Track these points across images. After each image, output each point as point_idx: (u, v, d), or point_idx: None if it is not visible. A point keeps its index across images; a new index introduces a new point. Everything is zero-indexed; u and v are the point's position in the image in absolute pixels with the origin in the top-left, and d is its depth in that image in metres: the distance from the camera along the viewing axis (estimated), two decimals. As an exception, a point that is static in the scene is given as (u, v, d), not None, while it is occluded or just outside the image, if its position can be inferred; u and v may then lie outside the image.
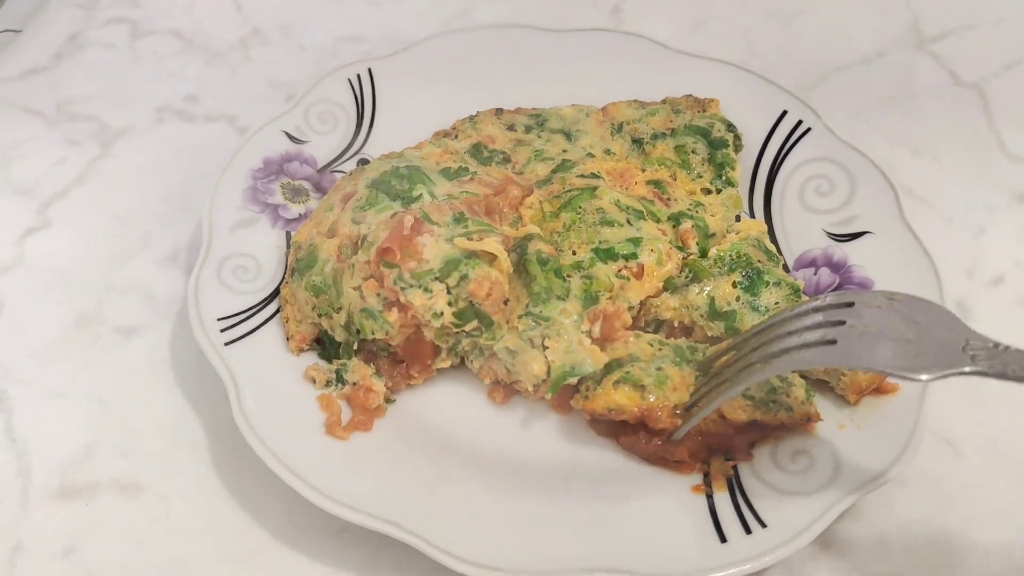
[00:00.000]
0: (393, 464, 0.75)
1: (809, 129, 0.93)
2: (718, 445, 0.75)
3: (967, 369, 0.63)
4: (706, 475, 0.74)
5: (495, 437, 0.79)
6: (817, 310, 0.70)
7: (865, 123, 1.03)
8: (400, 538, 0.69)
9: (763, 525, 0.70)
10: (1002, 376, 0.63)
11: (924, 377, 0.63)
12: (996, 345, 0.65)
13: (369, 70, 0.97)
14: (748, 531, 0.70)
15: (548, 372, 0.77)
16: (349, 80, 0.96)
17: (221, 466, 0.78)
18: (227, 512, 0.76)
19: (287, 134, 0.92)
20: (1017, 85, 1.07)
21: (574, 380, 0.77)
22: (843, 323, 0.68)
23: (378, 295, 0.77)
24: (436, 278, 0.76)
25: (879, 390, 0.76)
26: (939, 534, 0.75)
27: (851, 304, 0.69)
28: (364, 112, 0.96)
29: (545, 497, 0.74)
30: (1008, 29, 1.13)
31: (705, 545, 0.69)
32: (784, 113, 0.94)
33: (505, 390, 0.80)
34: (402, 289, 0.76)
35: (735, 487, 0.73)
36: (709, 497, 0.73)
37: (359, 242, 0.80)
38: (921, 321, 0.67)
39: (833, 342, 0.67)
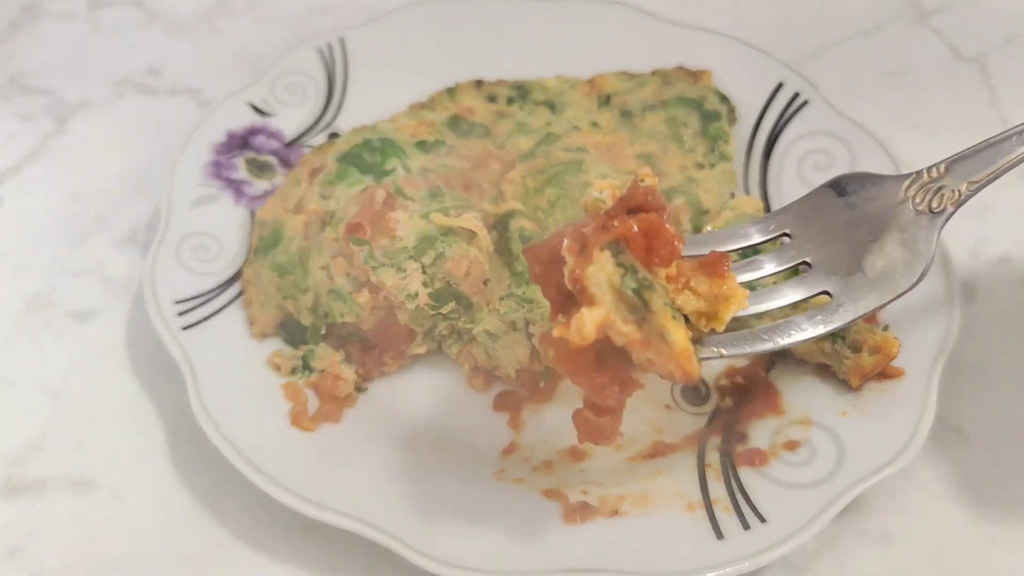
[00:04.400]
0: (364, 457, 0.71)
1: (806, 102, 0.89)
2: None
3: (936, 232, 0.62)
4: (701, 460, 0.71)
5: (474, 427, 0.75)
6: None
7: (862, 98, 0.99)
8: (370, 536, 0.65)
9: (762, 520, 0.66)
10: (960, 203, 0.62)
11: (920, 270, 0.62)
12: (928, 170, 0.64)
13: (341, 40, 0.93)
14: (746, 527, 0.66)
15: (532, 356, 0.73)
16: (320, 50, 0.92)
17: (179, 460, 0.75)
18: (185, 508, 0.72)
19: (253, 106, 0.87)
20: (1019, 59, 1.04)
21: None
22: (808, 265, 0.64)
23: (347, 275, 0.73)
24: (410, 256, 0.73)
25: (884, 374, 0.73)
26: (946, 526, 0.72)
27: (788, 235, 0.66)
28: (335, 84, 0.91)
29: (528, 492, 0.69)
30: (1010, 1, 1.10)
31: (701, 542, 0.65)
32: (780, 85, 0.90)
33: (486, 376, 0.77)
34: (373, 268, 0.72)
35: (732, 480, 0.69)
36: (705, 491, 0.68)
37: (327, 219, 0.76)
38: (856, 203, 0.65)
39: (827, 294, 0.63)
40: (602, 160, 0.83)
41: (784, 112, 0.89)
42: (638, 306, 0.53)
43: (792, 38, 1.05)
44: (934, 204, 0.63)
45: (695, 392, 0.76)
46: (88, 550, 0.70)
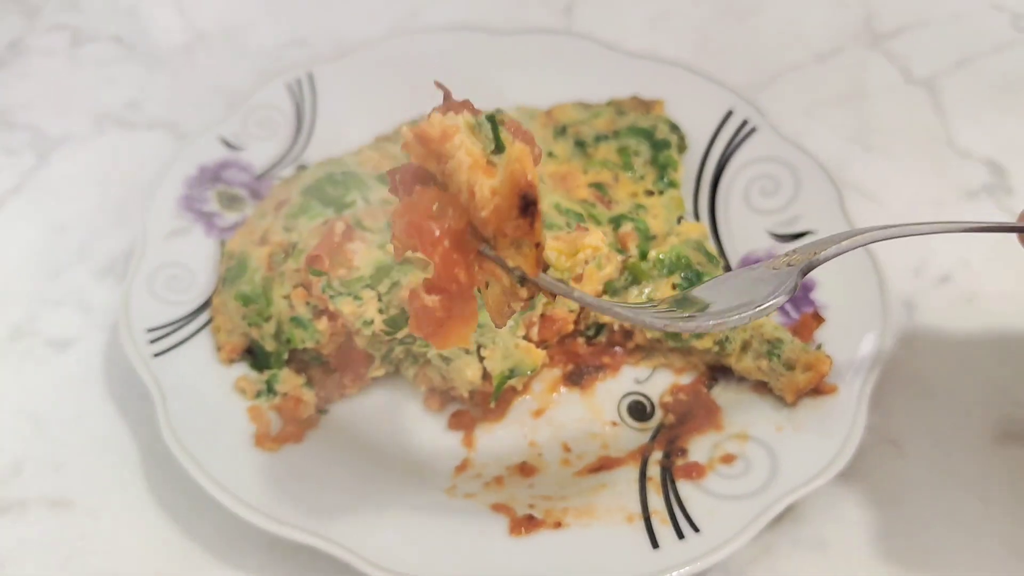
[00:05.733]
0: (325, 476, 0.74)
1: (754, 129, 0.92)
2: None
3: (795, 274, 0.65)
4: (643, 474, 0.74)
5: (430, 446, 0.78)
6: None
7: (817, 121, 1.02)
8: (329, 551, 0.68)
9: (696, 530, 0.69)
10: (812, 264, 0.66)
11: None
12: (788, 253, 0.68)
13: (310, 75, 0.96)
14: (681, 536, 0.69)
15: (484, 377, 0.75)
16: (289, 85, 0.95)
17: (153, 480, 0.77)
18: (158, 527, 0.75)
19: (224, 140, 0.91)
20: (969, 82, 1.06)
21: (517, 383, 0.75)
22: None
23: (307, 304, 0.76)
24: (367, 285, 0.75)
25: (818, 390, 0.75)
26: (882, 535, 0.74)
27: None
28: (304, 117, 0.94)
29: (478, 507, 0.72)
30: (961, 26, 1.12)
31: (637, 552, 0.68)
32: (729, 113, 0.93)
33: (441, 397, 0.79)
34: (331, 297, 0.75)
35: (670, 492, 0.72)
36: (644, 504, 0.71)
37: (290, 250, 0.79)
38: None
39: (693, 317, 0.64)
40: (555, 190, 0.86)
41: (733, 139, 0.92)
42: (489, 142, 0.57)
43: (753, 62, 1.08)
44: (795, 260, 0.67)
45: (641, 409, 0.80)
46: (66, 567, 0.73)
